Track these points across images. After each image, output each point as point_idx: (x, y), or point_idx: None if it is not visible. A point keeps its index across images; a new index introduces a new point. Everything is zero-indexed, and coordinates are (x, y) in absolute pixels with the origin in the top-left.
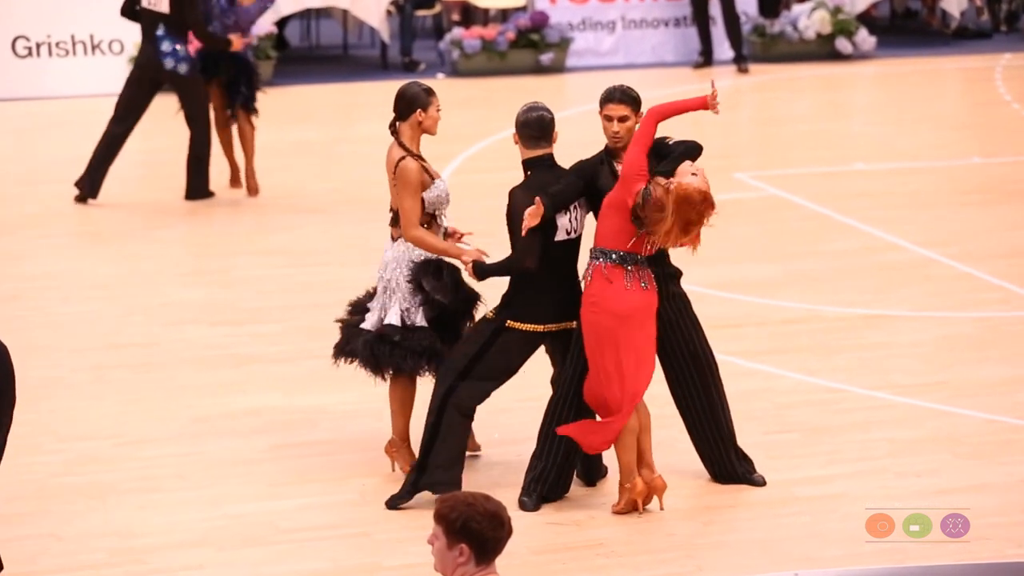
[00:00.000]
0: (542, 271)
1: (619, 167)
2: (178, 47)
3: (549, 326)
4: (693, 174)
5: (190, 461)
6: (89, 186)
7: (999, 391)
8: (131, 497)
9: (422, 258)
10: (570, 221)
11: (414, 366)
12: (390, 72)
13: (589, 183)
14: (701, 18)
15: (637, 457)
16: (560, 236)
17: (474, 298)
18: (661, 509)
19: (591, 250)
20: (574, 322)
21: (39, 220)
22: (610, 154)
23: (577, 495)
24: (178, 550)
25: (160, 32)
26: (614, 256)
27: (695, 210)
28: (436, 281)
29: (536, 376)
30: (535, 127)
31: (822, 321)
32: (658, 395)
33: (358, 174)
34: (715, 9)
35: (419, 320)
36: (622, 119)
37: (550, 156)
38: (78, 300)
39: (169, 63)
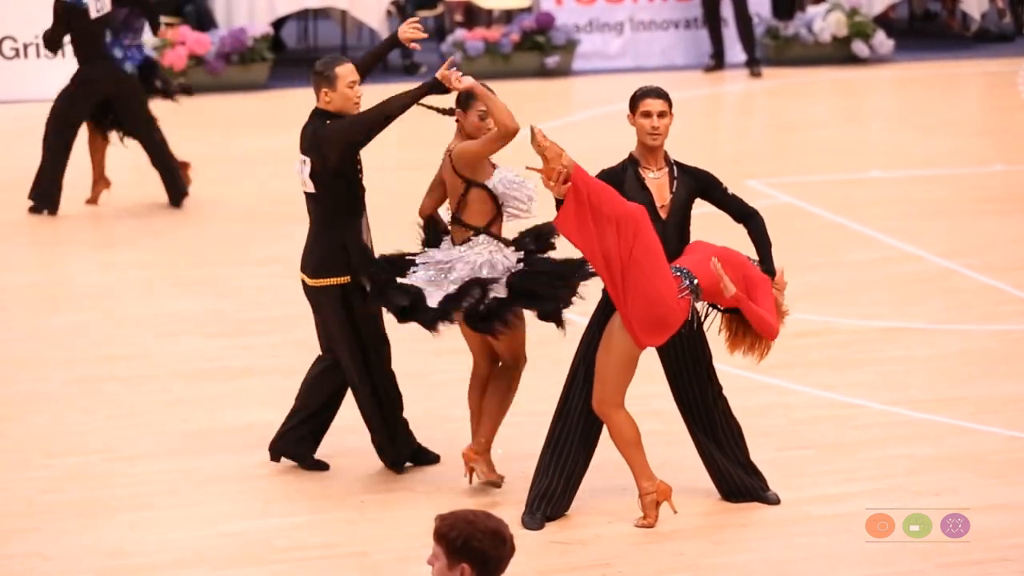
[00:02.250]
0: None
1: (644, 173)
2: (127, 45)
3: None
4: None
5: (183, 477)
6: (50, 201)
7: (1021, 407)
8: (122, 515)
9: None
10: (301, 173)
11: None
12: (390, 75)
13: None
14: (712, 20)
15: (635, 471)
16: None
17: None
18: (675, 512)
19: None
20: (306, 276)
21: (24, 227)
22: (634, 161)
23: (582, 513)
24: (170, 570)
25: (108, 39)
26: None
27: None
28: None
29: (541, 390)
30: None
31: (838, 334)
32: (665, 411)
33: None
34: (727, 11)
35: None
36: (661, 115)
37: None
38: (66, 311)
39: (128, 67)
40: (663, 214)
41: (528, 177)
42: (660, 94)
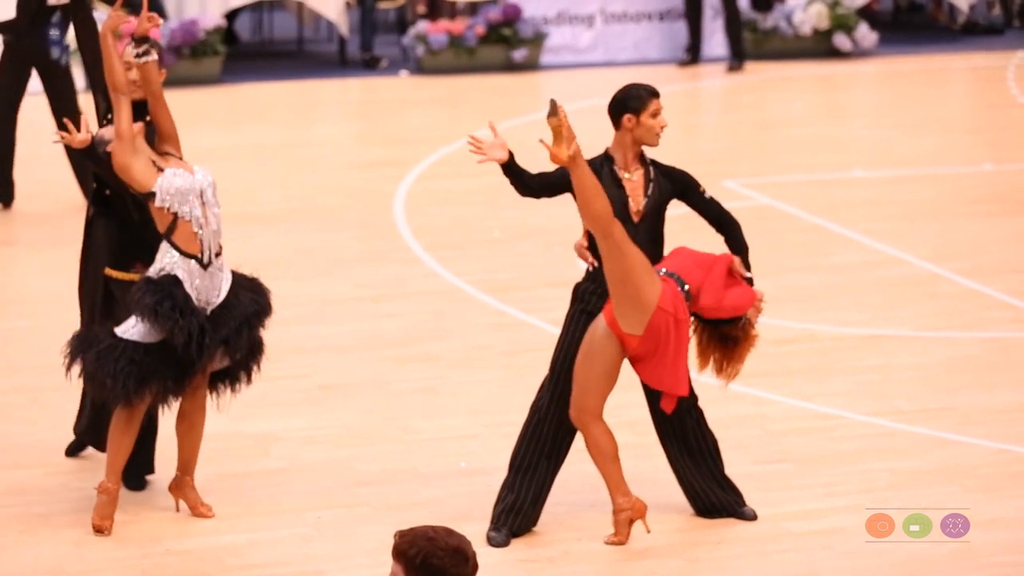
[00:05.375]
0: None
1: (620, 173)
2: (64, 37)
3: None
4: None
5: (129, 492)
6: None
7: (1010, 418)
8: (65, 531)
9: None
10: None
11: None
12: (349, 69)
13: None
14: (694, 12)
15: (610, 486)
16: None
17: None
18: (648, 532)
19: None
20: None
21: None
22: (609, 159)
23: (550, 529)
24: None
25: (54, 20)
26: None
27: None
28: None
29: (506, 401)
30: None
31: (818, 341)
32: (638, 422)
33: (315, 179)
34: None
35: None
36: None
37: None
38: (6, 317)
39: (55, 52)
40: (636, 217)
41: None
42: (658, 92)
